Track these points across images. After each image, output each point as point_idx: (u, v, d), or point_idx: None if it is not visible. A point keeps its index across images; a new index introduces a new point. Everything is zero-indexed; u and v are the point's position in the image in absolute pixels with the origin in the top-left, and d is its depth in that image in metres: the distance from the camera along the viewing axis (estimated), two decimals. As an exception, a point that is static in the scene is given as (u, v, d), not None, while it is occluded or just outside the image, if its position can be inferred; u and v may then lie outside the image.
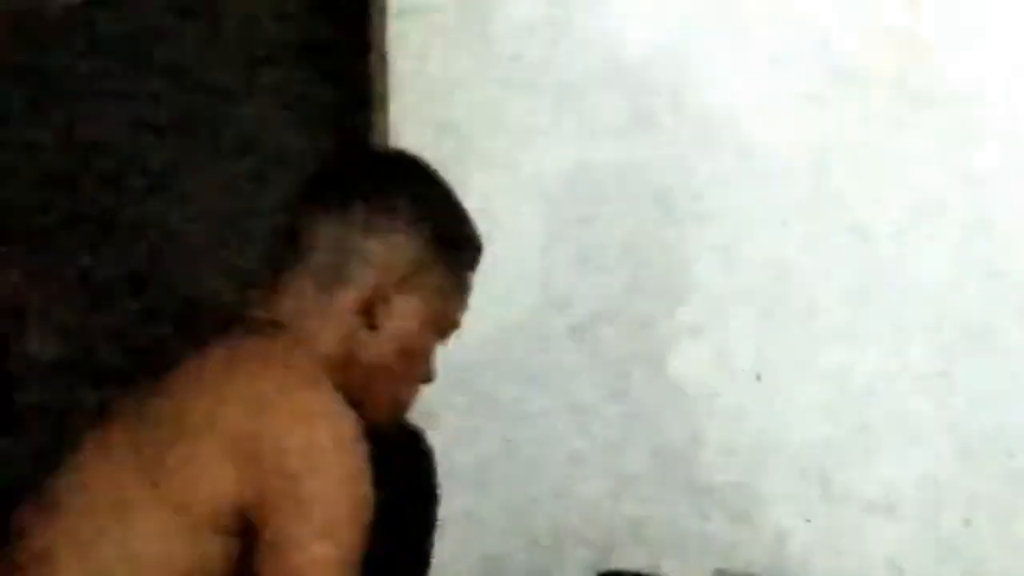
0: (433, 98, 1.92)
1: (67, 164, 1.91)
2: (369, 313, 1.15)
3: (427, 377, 1.23)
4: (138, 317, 1.92)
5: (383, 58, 1.92)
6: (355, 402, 1.11)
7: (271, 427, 1.05)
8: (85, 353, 1.90)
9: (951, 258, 1.95)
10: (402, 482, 1.39)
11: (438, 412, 1.70)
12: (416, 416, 1.36)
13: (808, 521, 1.94)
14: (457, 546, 1.84)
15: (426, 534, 1.56)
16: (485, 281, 1.27)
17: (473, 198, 1.31)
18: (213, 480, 1.04)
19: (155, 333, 1.87)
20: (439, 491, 1.56)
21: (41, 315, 1.88)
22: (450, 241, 1.20)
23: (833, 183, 1.96)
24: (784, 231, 1.96)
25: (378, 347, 1.16)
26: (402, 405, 1.23)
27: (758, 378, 1.96)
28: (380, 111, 1.92)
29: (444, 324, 1.21)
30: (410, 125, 1.89)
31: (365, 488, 1.06)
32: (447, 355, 1.25)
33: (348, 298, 1.15)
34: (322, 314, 1.16)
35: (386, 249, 1.16)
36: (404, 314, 1.17)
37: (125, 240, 1.91)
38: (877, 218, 1.97)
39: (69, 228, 1.91)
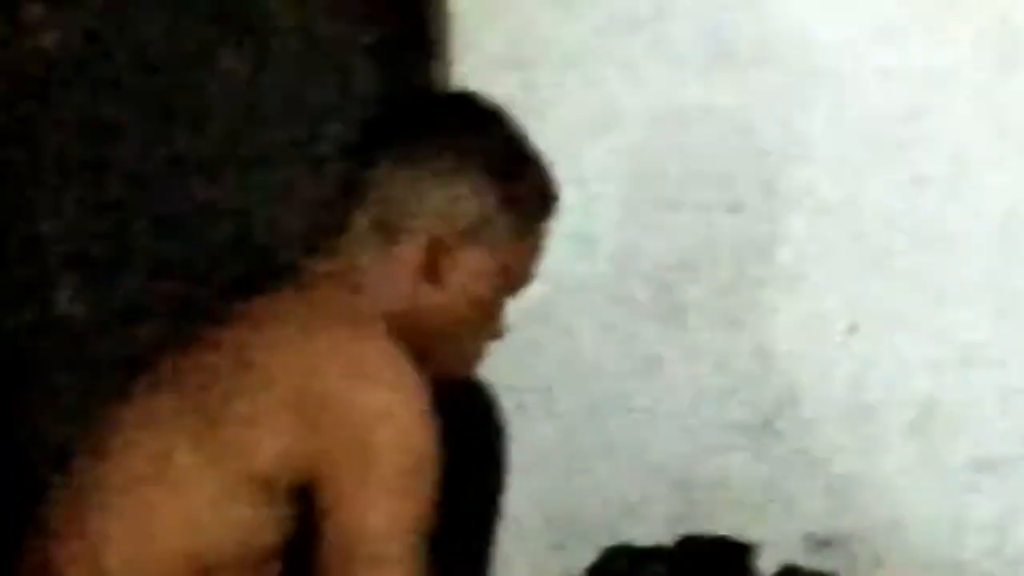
0: (497, 33, 1.89)
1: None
2: (433, 266, 1.13)
3: (496, 333, 1.21)
4: (181, 267, 1.89)
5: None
6: (420, 357, 1.09)
7: (331, 384, 1.04)
8: (123, 306, 1.89)
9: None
10: (471, 439, 1.36)
11: (514, 366, 1.65)
12: (488, 371, 1.33)
13: (908, 482, 1.94)
14: (528, 506, 1.84)
15: (495, 492, 1.54)
16: (559, 230, 1.24)
17: (544, 140, 1.26)
18: (271, 441, 1.03)
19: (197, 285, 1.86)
20: (507, 450, 1.54)
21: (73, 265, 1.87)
22: (519, 190, 1.17)
23: (932, 123, 1.91)
24: (882, 177, 1.93)
25: (442, 301, 1.15)
26: (469, 361, 1.23)
27: (852, 332, 1.94)
28: (440, 48, 1.89)
29: (513, 278, 1.19)
30: (474, 62, 1.88)
31: (430, 443, 1.05)
32: (522, 305, 1.23)
33: (410, 250, 1.13)
34: (383, 266, 1.14)
35: (449, 199, 1.14)
36: (469, 267, 1.15)
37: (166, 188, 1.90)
38: (982, 160, 1.92)
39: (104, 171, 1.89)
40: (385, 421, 1.03)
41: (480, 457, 1.48)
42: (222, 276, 1.81)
